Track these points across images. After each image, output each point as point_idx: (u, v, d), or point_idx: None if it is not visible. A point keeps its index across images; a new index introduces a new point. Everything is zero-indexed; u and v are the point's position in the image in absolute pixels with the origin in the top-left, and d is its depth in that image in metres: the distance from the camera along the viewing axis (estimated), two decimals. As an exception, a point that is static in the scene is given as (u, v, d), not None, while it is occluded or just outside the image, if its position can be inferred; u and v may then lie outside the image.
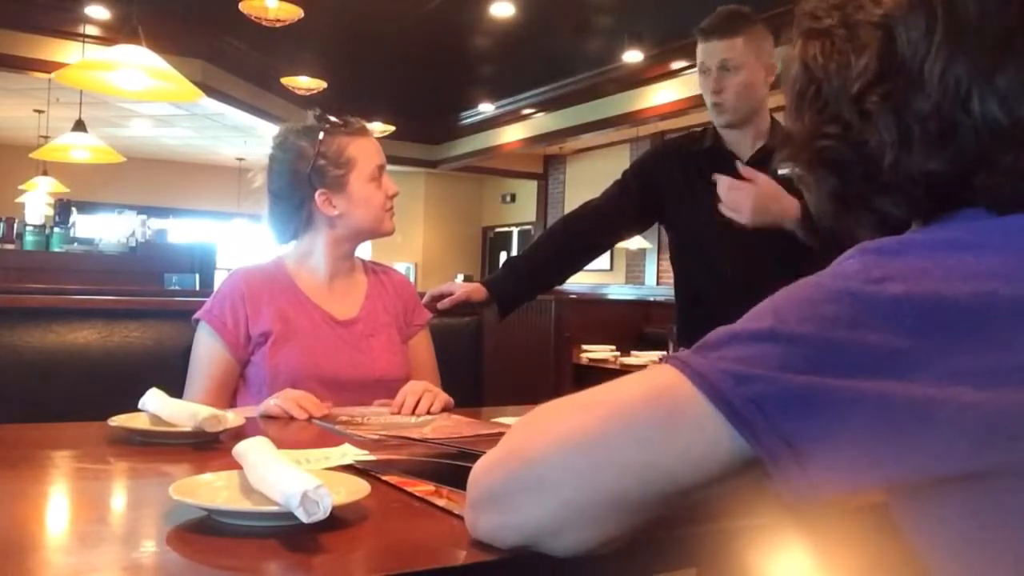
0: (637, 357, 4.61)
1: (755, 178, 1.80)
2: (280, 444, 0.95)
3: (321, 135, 1.67)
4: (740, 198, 1.81)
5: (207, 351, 1.61)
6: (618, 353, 4.77)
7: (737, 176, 1.98)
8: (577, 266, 2.17)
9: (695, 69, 2.06)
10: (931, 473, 0.55)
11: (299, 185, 1.67)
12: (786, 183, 1.98)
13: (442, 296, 2.04)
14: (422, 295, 1.97)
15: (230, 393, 1.63)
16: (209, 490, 0.84)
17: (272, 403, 1.45)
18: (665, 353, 4.41)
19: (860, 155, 0.65)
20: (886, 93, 0.63)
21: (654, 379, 0.63)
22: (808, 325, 0.57)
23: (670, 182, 2.09)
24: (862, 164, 0.65)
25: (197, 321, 1.63)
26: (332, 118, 1.71)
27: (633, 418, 0.62)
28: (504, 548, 0.70)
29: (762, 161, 2.00)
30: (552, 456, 0.65)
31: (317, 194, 1.66)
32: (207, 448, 1.16)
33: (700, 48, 1.98)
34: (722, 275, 2.02)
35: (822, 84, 0.67)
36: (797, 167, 0.71)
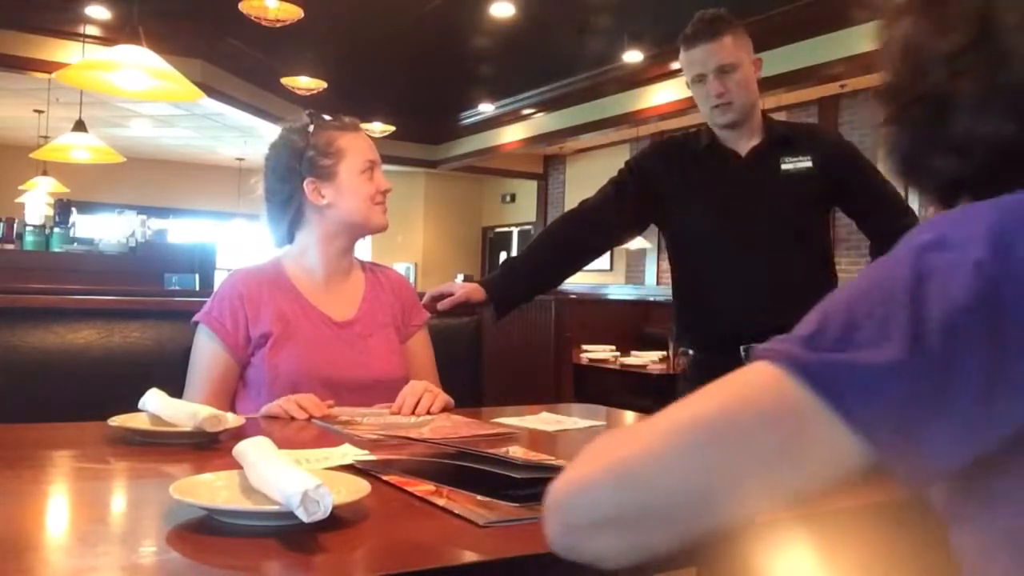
0: (637, 357, 4.61)
1: None
2: (280, 444, 0.95)
3: (311, 128, 1.70)
4: None
5: (207, 354, 1.61)
6: (618, 353, 4.77)
7: (735, 170, 2.00)
8: (575, 268, 2.17)
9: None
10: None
11: (290, 176, 1.69)
12: (788, 177, 1.99)
13: (442, 296, 2.03)
14: (421, 295, 1.97)
15: (230, 396, 1.63)
16: (209, 490, 0.84)
17: (272, 405, 1.46)
18: (665, 353, 4.42)
19: (938, 115, 0.66)
20: (975, 61, 0.64)
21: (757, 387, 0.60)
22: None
23: (668, 182, 2.09)
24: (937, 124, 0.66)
25: (196, 324, 1.63)
26: (325, 116, 1.73)
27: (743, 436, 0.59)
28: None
29: (759, 159, 2.01)
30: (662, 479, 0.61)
31: (306, 183, 1.67)
32: (207, 448, 1.16)
33: (687, 56, 1.98)
34: (719, 273, 2.02)
35: (923, 43, 0.67)
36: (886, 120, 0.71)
